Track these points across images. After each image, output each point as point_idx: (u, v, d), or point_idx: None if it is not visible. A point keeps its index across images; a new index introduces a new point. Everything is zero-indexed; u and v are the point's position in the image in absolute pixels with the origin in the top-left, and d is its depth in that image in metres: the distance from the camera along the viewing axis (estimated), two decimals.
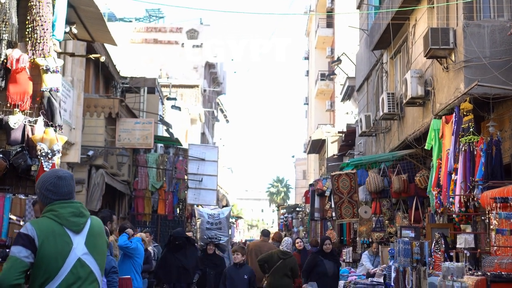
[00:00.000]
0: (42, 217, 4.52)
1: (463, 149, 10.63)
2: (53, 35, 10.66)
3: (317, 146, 40.60)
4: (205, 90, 49.91)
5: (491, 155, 10.13)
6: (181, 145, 29.30)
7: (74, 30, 12.38)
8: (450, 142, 11.16)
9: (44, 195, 4.59)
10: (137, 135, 22.77)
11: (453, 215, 11.59)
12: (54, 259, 4.36)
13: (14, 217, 10.01)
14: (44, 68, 10.37)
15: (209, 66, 51.22)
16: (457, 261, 9.52)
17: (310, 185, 31.42)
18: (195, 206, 15.93)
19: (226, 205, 43.41)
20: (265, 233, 15.86)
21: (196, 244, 14.51)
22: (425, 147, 12.80)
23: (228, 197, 61.89)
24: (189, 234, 15.72)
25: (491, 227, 8.49)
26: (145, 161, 25.09)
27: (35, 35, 10.28)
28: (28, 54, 10.24)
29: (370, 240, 17.52)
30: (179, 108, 35.10)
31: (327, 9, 44.72)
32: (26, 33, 10.37)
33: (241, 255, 12.06)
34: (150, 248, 13.94)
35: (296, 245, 15.03)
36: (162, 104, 31.84)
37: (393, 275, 9.10)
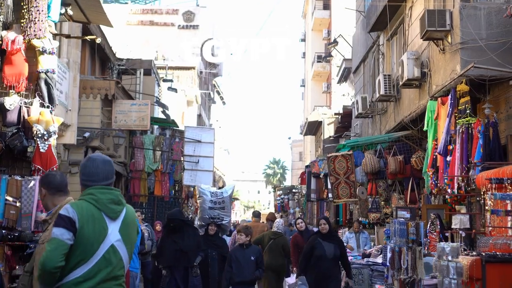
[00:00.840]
0: (81, 200, 4.61)
1: (460, 131, 10.65)
2: (48, 16, 10.61)
3: (313, 128, 40.60)
4: (201, 72, 49.78)
5: (488, 137, 10.15)
6: (177, 126, 29.27)
7: (70, 12, 12.32)
8: (445, 123, 11.18)
9: (80, 178, 4.76)
10: (133, 117, 22.74)
11: (446, 196, 11.65)
12: (90, 242, 4.44)
13: (10, 198, 10.02)
14: (40, 50, 10.35)
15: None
16: (452, 241, 9.58)
17: (307, 166, 31.53)
18: (196, 185, 15.34)
19: (223, 187, 43.49)
20: (256, 214, 16.76)
21: (195, 225, 13.87)
22: (423, 129, 12.80)
23: (225, 179, 61.96)
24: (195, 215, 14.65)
25: (486, 208, 8.52)
26: (142, 143, 25.08)
27: (30, 16, 10.23)
28: (23, 36, 10.21)
29: (367, 220, 17.74)
30: (175, 90, 35.02)
31: None
32: (22, 14, 10.33)
33: (245, 236, 11.41)
34: (143, 228, 13.91)
35: (297, 226, 14.25)
36: (158, 86, 31.77)
37: (388, 255, 9.15)
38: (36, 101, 10.34)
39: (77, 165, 18.88)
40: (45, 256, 4.31)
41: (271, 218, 17.97)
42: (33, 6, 10.22)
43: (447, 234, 10.35)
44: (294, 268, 12.96)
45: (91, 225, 4.46)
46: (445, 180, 11.04)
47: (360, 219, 18.11)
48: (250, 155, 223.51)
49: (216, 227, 13.34)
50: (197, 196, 14.46)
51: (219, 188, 25.14)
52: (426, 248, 9.44)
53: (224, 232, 13.99)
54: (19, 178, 10.21)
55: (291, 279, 13.22)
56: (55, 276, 4.32)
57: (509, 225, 8.23)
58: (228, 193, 14.32)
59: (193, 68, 46.28)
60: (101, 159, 4.79)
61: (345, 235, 17.21)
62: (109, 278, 4.51)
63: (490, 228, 8.62)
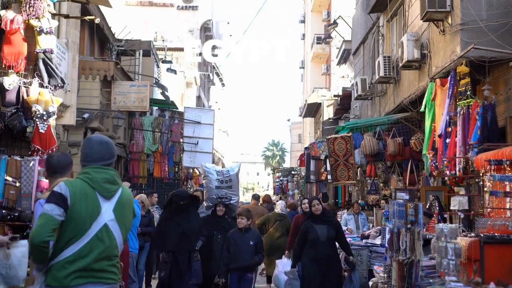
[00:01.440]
0: (76, 178, 4.66)
1: (461, 113, 10.62)
2: None
3: (312, 110, 40.58)
4: (200, 53, 49.65)
5: (486, 119, 10.14)
6: (176, 108, 29.25)
7: None
8: (444, 105, 11.15)
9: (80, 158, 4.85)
10: (132, 98, 22.68)
11: (445, 178, 11.65)
12: (82, 220, 4.47)
13: (9, 178, 10.03)
14: (38, 30, 10.32)
15: (205, 29, 50.83)
16: (451, 223, 9.59)
17: (306, 148, 31.54)
18: (201, 164, 14.99)
19: None
20: (255, 197, 17.78)
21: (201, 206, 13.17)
22: (421, 110, 12.77)
23: (224, 161, 62.00)
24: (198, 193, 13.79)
25: (485, 189, 8.53)
26: (141, 124, 25.06)
27: None
28: (22, 15, 10.17)
29: (364, 202, 17.82)
30: (174, 71, 34.94)
31: None
32: None
33: (246, 219, 10.88)
34: (153, 210, 13.93)
35: (303, 206, 13.57)
36: (158, 67, 31.69)
37: (387, 236, 9.15)
38: (35, 81, 10.32)
39: (77, 146, 18.90)
40: (33, 231, 4.36)
41: (267, 200, 19.08)
42: None
43: (445, 216, 10.37)
44: (287, 252, 12.69)
45: (84, 203, 4.48)
46: (444, 162, 11.04)
47: (359, 201, 18.17)
48: (249, 137, 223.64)
49: (224, 207, 12.51)
50: (202, 176, 13.74)
51: None
52: (424, 230, 9.45)
53: (232, 212, 12.91)
54: (19, 158, 10.22)
55: (284, 264, 12.62)
56: (44, 251, 4.35)
57: (507, 206, 8.23)
58: (235, 171, 13.53)
59: (193, 49, 46.10)
60: (97, 140, 4.83)
61: (344, 216, 17.30)
62: (102, 258, 4.53)
63: (489, 209, 8.63)
